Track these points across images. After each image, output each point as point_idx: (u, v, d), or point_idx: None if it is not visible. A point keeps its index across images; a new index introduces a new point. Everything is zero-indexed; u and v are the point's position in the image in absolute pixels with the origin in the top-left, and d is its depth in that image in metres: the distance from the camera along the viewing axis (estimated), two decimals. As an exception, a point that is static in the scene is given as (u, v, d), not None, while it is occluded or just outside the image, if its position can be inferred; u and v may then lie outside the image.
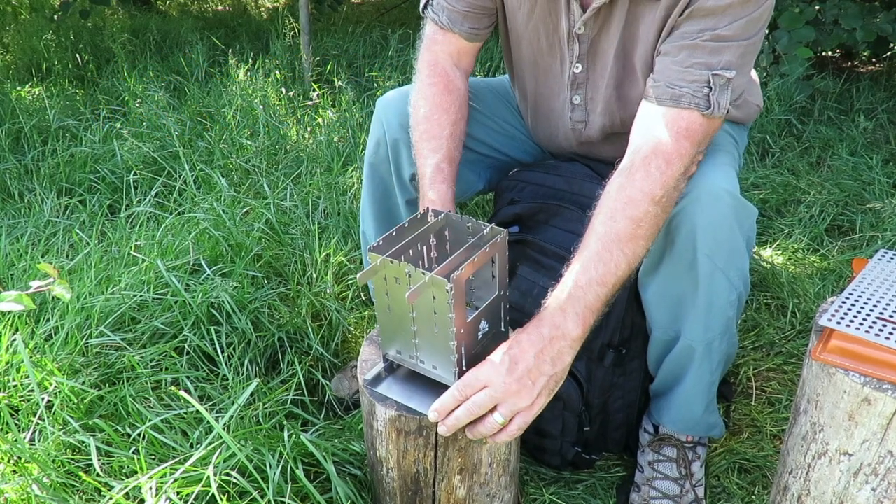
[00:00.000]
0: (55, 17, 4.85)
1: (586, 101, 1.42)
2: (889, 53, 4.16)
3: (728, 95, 1.18)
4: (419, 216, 1.17)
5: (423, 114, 1.38)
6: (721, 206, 1.21)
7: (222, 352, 1.62)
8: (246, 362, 1.64)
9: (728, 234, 1.23)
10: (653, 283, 1.33)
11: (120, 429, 1.39)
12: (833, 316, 1.03)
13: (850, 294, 1.08)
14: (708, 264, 1.25)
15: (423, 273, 1.02)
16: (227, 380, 1.57)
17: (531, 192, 1.50)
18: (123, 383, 1.49)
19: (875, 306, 1.05)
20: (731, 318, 1.34)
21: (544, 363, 1.05)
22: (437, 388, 1.12)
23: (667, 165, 1.13)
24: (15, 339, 1.47)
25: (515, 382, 1.03)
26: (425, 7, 1.44)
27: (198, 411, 1.35)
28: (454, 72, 1.43)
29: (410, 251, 1.14)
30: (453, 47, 1.43)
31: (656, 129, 1.17)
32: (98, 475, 1.27)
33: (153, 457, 1.31)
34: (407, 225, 1.14)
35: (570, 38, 1.35)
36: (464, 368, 1.10)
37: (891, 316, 1.02)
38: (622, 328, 1.39)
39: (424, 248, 1.18)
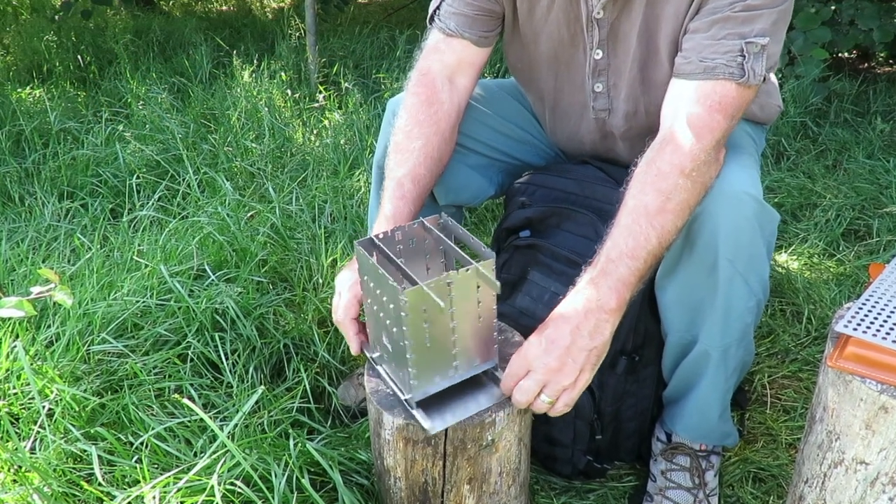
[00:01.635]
0: (56, 17, 4.86)
1: (609, 87, 1.41)
2: (906, 54, 4.12)
3: (763, 63, 1.17)
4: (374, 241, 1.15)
5: (399, 124, 1.39)
6: (744, 210, 1.20)
7: (227, 359, 1.61)
8: (251, 369, 1.63)
9: (750, 238, 1.22)
10: (671, 285, 1.32)
11: (122, 437, 1.38)
12: (849, 322, 1.01)
13: (867, 300, 1.06)
14: (728, 268, 1.23)
15: (466, 269, 1.02)
16: (232, 387, 1.56)
17: (543, 195, 1.48)
18: (126, 391, 1.48)
19: (893, 312, 1.03)
20: (748, 325, 1.32)
21: (581, 338, 1.05)
22: (458, 389, 1.13)
23: (697, 139, 1.13)
24: (15, 346, 1.46)
25: (555, 361, 1.04)
26: (432, 18, 1.43)
27: (202, 419, 1.34)
28: (443, 85, 1.41)
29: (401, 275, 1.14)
30: (455, 57, 1.41)
31: (688, 103, 1.17)
32: (100, 484, 1.26)
33: (156, 466, 1.30)
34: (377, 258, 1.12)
35: (589, 23, 1.33)
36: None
37: (909, 322, 1.00)
38: (635, 335, 1.38)
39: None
